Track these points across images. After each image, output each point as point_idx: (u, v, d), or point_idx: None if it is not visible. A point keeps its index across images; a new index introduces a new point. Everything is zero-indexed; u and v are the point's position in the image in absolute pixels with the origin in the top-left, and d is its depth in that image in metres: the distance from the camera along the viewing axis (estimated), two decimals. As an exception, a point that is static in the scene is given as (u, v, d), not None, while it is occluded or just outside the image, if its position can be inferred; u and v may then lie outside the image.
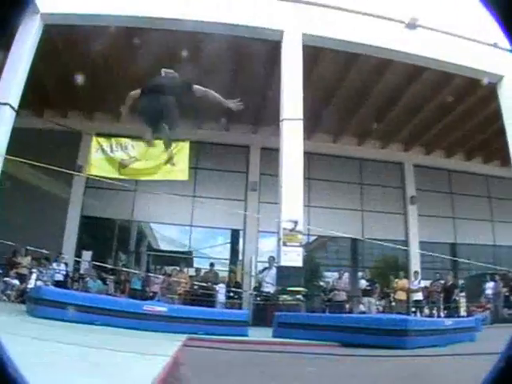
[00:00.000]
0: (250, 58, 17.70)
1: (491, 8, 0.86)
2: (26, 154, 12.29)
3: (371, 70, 19.02)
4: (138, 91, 7.46)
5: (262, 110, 21.06)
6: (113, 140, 16.43)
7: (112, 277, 19.02)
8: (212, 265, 19.73)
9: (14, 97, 14.46)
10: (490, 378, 0.89)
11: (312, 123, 20.35)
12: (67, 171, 15.31)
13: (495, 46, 18.73)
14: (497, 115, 19.00)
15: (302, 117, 15.47)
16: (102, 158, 16.11)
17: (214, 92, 7.72)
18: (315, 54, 17.51)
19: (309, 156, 19.20)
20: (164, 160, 15.66)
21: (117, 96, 20.35)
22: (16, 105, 14.46)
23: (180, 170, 15.79)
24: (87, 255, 20.62)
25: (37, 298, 9.13)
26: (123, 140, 16.44)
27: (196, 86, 7.67)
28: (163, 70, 8.15)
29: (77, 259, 19.86)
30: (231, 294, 18.52)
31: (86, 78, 18.48)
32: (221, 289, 18.31)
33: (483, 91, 19.67)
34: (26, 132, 17.26)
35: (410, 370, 5.00)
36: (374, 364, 5.96)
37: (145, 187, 18.04)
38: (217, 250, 23.48)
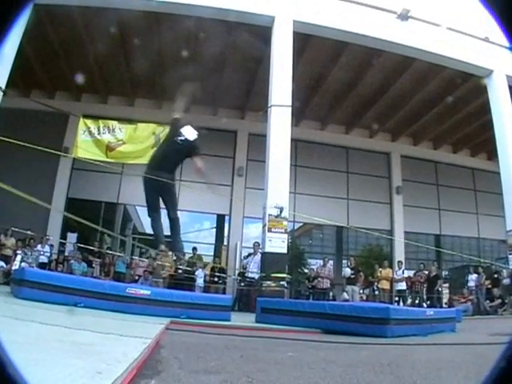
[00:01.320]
0: (240, 44, 17.65)
1: (491, 8, 0.87)
2: (11, 135, 12.15)
3: (361, 59, 19.04)
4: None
5: (251, 96, 21.04)
6: (100, 122, 16.31)
7: (98, 260, 19.00)
8: (195, 249, 19.77)
9: (2, 77, 14.29)
10: (491, 378, 0.90)
11: (300, 110, 20.40)
12: (54, 152, 15.18)
13: (486, 40, 18.81)
14: (484, 109, 19.13)
15: (290, 103, 15.48)
16: (88, 140, 16.00)
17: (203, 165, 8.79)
18: (305, 41, 17.49)
19: (296, 143, 19.26)
20: (151, 144, 15.65)
21: (104, 77, 20.36)
22: (3, 85, 14.31)
23: (167, 154, 15.71)
24: (72, 237, 20.57)
25: (20, 280, 9.12)
26: (111, 122, 16.33)
27: (197, 157, 8.71)
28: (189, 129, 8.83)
29: (62, 241, 19.79)
30: (215, 279, 18.55)
31: (74, 59, 18.37)
32: (199, 273, 18.33)
33: (471, 84, 19.77)
34: (11, 112, 17.13)
35: (389, 358, 5.05)
36: (354, 351, 6.02)
37: (131, 170, 17.96)
38: (202, 235, 23.51)
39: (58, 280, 9.13)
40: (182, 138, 8.52)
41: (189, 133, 8.60)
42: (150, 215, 8.78)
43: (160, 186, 8.32)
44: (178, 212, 9.05)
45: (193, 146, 8.65)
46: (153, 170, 8.49)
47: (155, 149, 8.79)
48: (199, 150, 8.81)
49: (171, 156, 8.57)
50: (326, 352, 5.65)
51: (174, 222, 8.81)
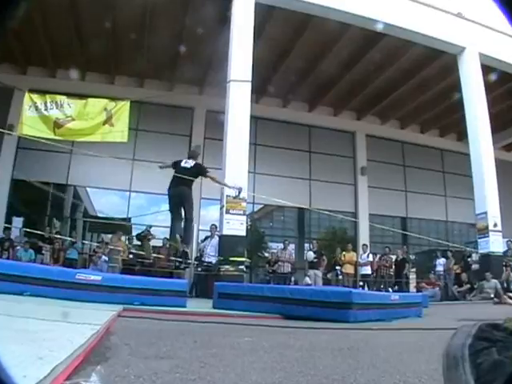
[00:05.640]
0: (199, 16, 17.49)
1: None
2: None
3: (326, 34, 18.95)
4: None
5: (210, 71, 20.87)
6: (47, 97, 15.96)
7: (48, 246, 18.67)
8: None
9: None
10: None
11: (261, 86, 20.33)
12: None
13: (459, 15, 18.92)
14: (454, 88, 19.34)
15: (250, 79, 15.45)
16: (35, 116, 15.66)
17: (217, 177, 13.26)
18: (268, 14, 17.41)
19: (256, 120, 19.28)
20: (102, 120, 15.45)
21: (53, 49, 19.94)
22: None
23: (119, 131, 15.50)
24: (18, 222, 20.25)
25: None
26: (59, 97, 16.00)
27: (209, 174, 12.30)
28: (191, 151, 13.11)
29: (7, 226, 19.44)
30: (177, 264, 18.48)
31: (21, 28, 17.95)
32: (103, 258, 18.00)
33: (441, 62, 19.92)
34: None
35: (349, 342, 5.11)
36: (314, 336, 6.06)
37: (81, 149, 17.66)
38: (159, 218, 23.35)
39: (2, 267, 8.99)
40: (183, 165, 11.89)
41: (184, 162, 11.92)
42: (172, 220, 12.35)
43: (178, 196, 11.79)
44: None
45: (199, 169, 11.96)
46: (173, 186, 11.83)
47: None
48: (206, 171, 12.11)
49: (182, 175, 11.51)
50: (285, 337, 5.69)
51: (187, 222, 12.14)
